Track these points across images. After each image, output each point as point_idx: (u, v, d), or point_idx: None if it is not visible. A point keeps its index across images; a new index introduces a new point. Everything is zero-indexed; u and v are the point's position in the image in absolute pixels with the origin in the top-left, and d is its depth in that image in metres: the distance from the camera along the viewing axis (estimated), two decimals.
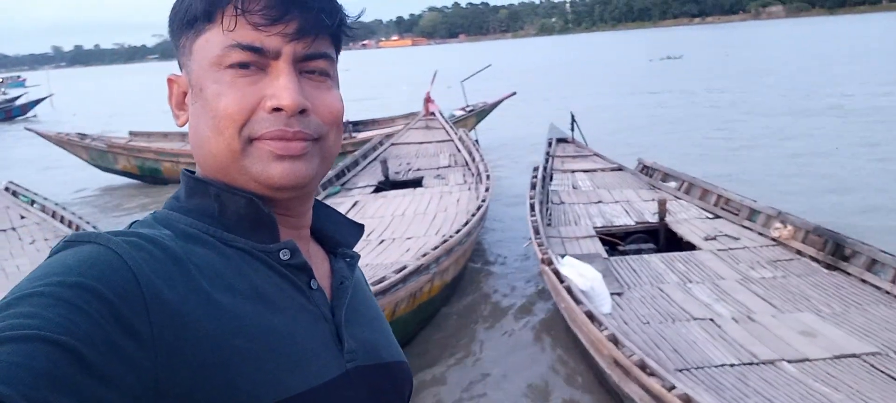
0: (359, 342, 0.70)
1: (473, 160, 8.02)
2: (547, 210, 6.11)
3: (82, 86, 68.95)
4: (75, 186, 12.04)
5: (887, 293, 4.02)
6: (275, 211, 0.67)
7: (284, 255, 0.66)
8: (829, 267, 4.52)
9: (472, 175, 7.77)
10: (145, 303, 0.53)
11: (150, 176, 11.80)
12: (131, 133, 13.99)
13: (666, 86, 23.70)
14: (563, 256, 4.46)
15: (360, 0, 0.72)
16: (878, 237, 5.28)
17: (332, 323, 0.69)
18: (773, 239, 5.08)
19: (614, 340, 3.27)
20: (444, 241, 4.88)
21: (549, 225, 5.72)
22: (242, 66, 0.63)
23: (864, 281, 4.21)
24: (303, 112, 0.64)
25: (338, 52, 0.71)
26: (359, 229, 0.81)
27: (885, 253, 4.20)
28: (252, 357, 0.58)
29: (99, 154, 11.95)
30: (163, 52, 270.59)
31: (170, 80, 0.71)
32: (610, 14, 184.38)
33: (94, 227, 6.16)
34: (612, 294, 4.17)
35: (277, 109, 0.63)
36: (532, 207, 5.56)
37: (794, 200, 7.43)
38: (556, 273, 4.16)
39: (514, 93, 14.02)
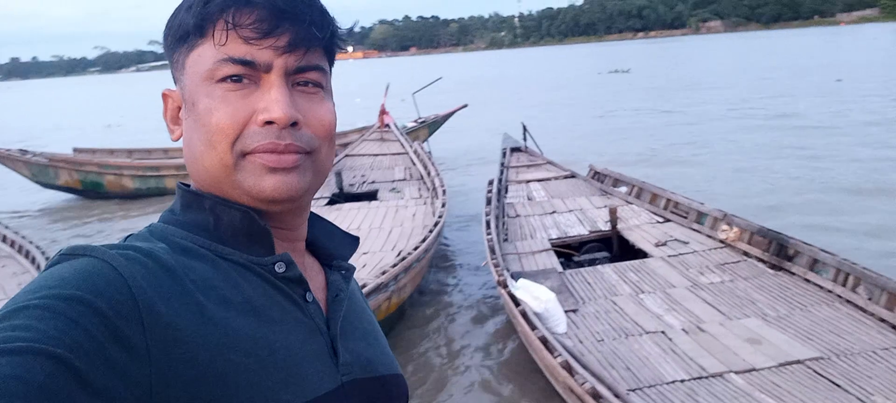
0: (354, 355, 0.71)
1: (429, 174, 8.03)
2: (503, 224, 6.15)
3: (18, 99, 65.97)
4: (13, 207, 11.54)
5: (829, 292, 4.18)
6: (269, 224, 0.67)
7: (279, 268, 0.67)
8: (773, 267, 4.69)
9: (428, 189, 7.77)
10: (140, 316, 0.53)
11: (92, 190, 11.55)
12: (75, 150, 13.60)
13: (614, 98, 24.31)
14: (516, 279, 4.47)
15: (346, 10, 0.73)
16: (816, 236, 5.55)
17: (328, 336, 0.69)
18: (721, 242, 5.25)
19: (568, 367, 3.27)
20: (403, 258, 4.85)
21: (505, 240, 5.75)
22: (234, 79, 0.64)
23: (807, 280, 4.38)
24: (294, 124, 0.64)
25: (331, 63, 0.71)
26: (354, 241, 0.81)
27: (826, 252, 4.36)
28: (247, 370, 0.58)
29: (40, 169, 11.59)
30: (105, 64, 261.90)
31: (164, 95, 0.72)
32: (557, 29, 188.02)
33: (34, 244, 5.91)
34: (567, 311, 4.20)
35: (269, 122, 0.63)
36: (488, 224, 5.59)
37: (737, 203, 7.72)
38: (512, 296, 4.18)
39: (466, 106, 14.17)
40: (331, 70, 0.72)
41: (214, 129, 0.63)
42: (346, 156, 9.37)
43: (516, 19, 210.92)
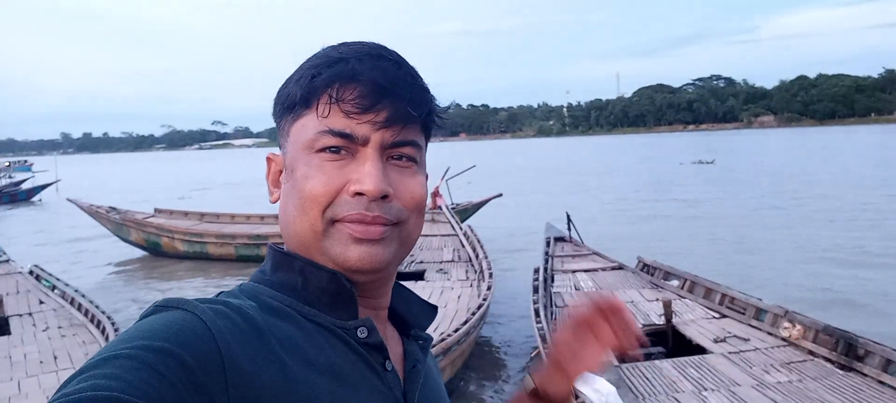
0: None
1: (477, 257, 8.01)
2: (551, 314, 6.03)
3: (88, 171, 69.88)
4: (108, 259, 13.00)
5: None
6: (356, 293, 0.69)
7: (362, 333, 0.68)
8: (843, 367, 4.42)
9: (475, 271, 7.73)
10: (224, 371, 0.54)
11: (153, 249, 13.16)
12: (156, 210, 15.02)
13: (694, 188, 23.91)
14: None
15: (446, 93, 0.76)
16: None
17: None
18: (784, 340, 5.00)
19: None
20: (443, 339, 4.78)
21: (555, 330, 5.61)
22: (333, 150, 0.66)
23: (881, 382, 4.11)
24: (385, 197, 0.66)
25: (427, 139, 0.74)
26: (433, 310, 0.82)
27: None
28: None
29: (116, 226, 13.68)
30: (170, 141, 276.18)
31: (269, 159, 0.75)
32: (606, 119, 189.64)
33: (106, 314, 6.20)
34: None
35: (360, 194, 0.65)
36: (537, 313, 5.48)
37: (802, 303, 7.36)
38: None
39: (501, 195, 14.20)
40: (426, 145, 0.74)
41: (308, 195, 0.66)
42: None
43: (565, 109, 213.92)
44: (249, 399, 0.55)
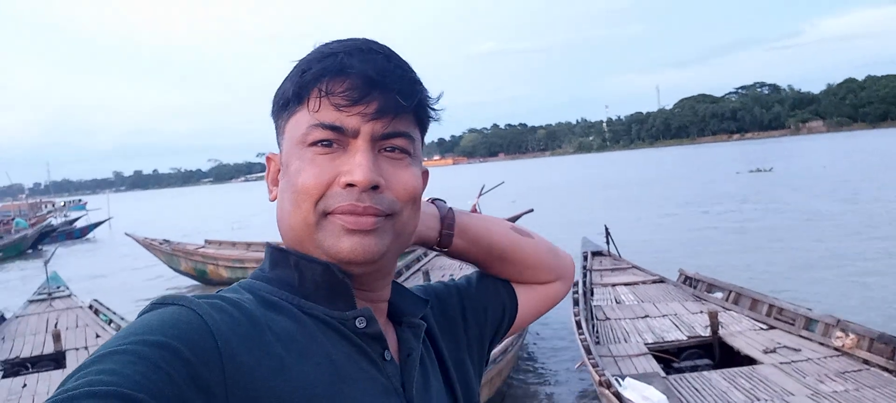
0: None
1: None
2: (593, 327, 5.93)
3: (140, 207, 72.37)
4: (150, 293, 13.37)
5: None
6: (352, 284, 0.69)
7: (360, 323, 0.68)
8: None
9: None
10: (221, 363, 0.54)
11: (201, 277, 13.99)
12: (206, 241, 15.98)
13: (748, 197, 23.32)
14: (622, 378, 4.27)
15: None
16: None
17: (404, 398, 0.69)
18: (837, 349, 4.80)
19: None
20: None
21: (597, 343, 5.53)
22: (325, 144, 0.67)
23: None
24: (375, 188, 0.66)
25: (423, 131, 0.74)
26: (424, 302, 0.82)
27: None
28: None
29: (168, 256, 14.76)
30: (217, 175, 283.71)
31: (268, 158, 0.77)
32: (647, 132, 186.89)
33: None
34: None
35: (350, 185, 0.66)
36: (578, 325, 5.41)
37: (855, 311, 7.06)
38: (618, 395, 3.98)
39: (532, 210, 14.08)
40: (423, 137, 0.74)
41: (300, 189, 0.67)
42: (436, 255, 9.48)
43: (604, 124, 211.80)
44: (247, 391, 0.55)
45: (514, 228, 0.94)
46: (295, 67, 0.70)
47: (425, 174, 0.77)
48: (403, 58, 0.71)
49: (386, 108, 0.67)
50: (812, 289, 9.09)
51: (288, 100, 0.70)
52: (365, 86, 0.66)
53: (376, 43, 0.70)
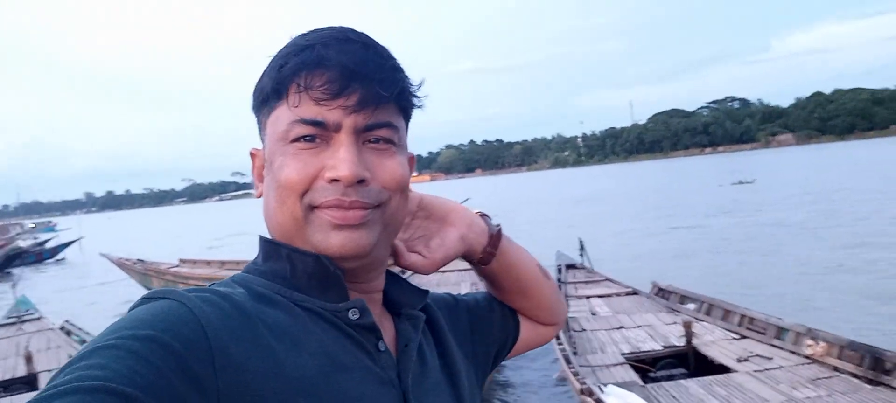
0: None
1: None
2: (569, 337, 5.99)
3: (112, 227, 71.07)
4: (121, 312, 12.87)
5: None
6: (345, 277, 0.68)
7: (353, 315, 0.67)
8: (870, 382, 4.32)
9: None
10: (212, 356, 0.54)
11: None
12: (180, 260, 15.90)
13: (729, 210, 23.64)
14: (604, 386, 4.30)
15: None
16: None
17: (399, 388, 0.68)
18: (808, 357, 4.90)
19: None
20: None
21: (575, 353, 5.58)
22: (307, 139, 0.66)
23: None
24: (361, 182, 0.65)
25: (407, 120, 0.73)
26: (423, 294, 0.81)
27: None
28: None
29: (141, 276, 14.93)
30: (191, 194, 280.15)
31: (252, 154, 0.75)
32: (621, 147, 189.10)
33: None
34: None
35: (335, 180, 0.65)
36: (556, 336, 5.45)
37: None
38: None
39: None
40: (407, 124, 0.73)
41: (284, 185, 0.65)
42: (413, 274, 9.48)
43: (579, 139, 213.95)
44: (238, 383, 0.54)
45: (539, 267, 0.93)
46: (272, 61, 0.69)
47: (411, 159, 0.75)
48: (382, 45, 0.69)
49: (367, 100, 0.65)
50: (815, 297, 9.20)
51: (267, 96, 0.68)
52: (344, 78, 0.64)
53: (353, 31, 0.68)
